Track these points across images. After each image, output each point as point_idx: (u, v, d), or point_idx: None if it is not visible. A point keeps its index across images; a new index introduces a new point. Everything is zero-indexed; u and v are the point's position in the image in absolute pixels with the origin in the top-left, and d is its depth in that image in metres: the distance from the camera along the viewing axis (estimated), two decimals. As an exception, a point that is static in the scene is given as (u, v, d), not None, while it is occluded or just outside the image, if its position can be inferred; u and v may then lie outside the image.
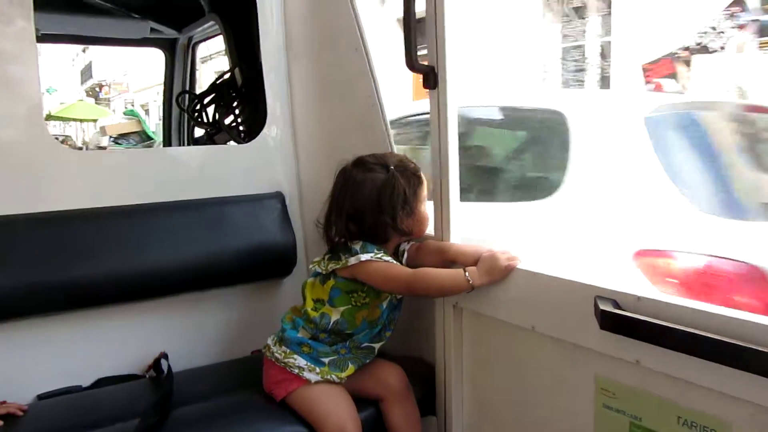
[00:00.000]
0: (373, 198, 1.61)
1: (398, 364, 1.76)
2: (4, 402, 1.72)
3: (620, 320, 1.20)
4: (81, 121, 17.59)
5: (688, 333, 1.08)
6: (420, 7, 1.64)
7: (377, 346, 1.70)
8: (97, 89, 24.28)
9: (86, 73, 25.39)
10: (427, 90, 1.68)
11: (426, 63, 1.67)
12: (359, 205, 1.62)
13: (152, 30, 2.94)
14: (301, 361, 1.64)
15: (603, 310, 1.21)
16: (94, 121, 16.41)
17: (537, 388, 1.50)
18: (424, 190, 1.69)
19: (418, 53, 1.65)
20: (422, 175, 1.69)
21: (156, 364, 1.95)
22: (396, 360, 1.78)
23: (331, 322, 1.64)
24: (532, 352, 1.49)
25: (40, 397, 1.85)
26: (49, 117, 14.38)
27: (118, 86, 23.66)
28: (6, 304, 1.75)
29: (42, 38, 2.62)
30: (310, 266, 1.73)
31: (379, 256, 1.60)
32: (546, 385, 1.47)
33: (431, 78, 1.66)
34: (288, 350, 1.66)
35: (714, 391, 1.10)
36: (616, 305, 1.23)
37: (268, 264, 2.12)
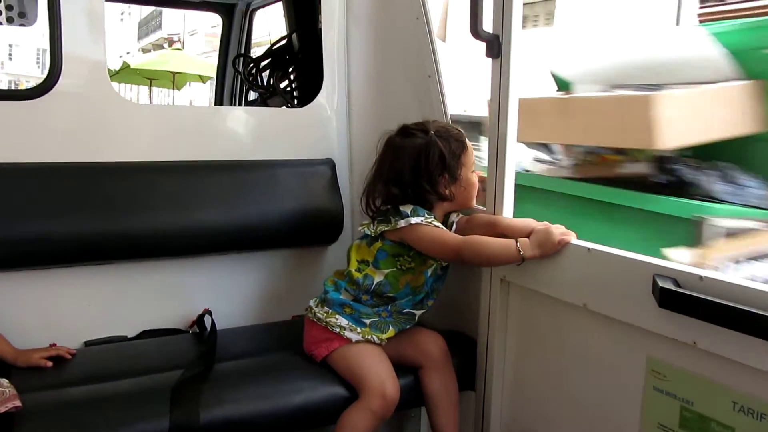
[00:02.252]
0: (411, 162, 1.62)
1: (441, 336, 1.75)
2: (54, 344, 1.77)
3: (681, 298, 1.16)
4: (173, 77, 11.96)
5: (754, 313, 1.04)
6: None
7: (419, 313, 1.70)
8: (166, 44, 21.21)
9: (147, 26, 23.98)
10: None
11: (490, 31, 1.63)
12: (399, 169, 1.63)
13: (212, -7, 2.96)
14: (342, 321, 1.65)
15: (663, 288, 1.18)
16: (203, 79, 11.85)
17: (583, 368, 1.47)
18: (470, 156, 1.67)
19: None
20: (466, 141, 1.67)
21: (199, 321, 1.98)
22: (437, 332, 1.76)
23: (374, 284, 1.65)
24: (582, 330, 1.46)
25: (87, 344, 1.89)
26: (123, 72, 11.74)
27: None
28: (59, 249, 1.80)
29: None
30: (359, 228, 1.73)
31: (429, 220, 1.60)
32: (593, 366, 1.44)
33: (495, 46, 1.63)
34: (330, 310, 1.67)
35: (775, 376, 1.06)
36: (676, 284, 1.19)
37: (315, 230, 2.12)
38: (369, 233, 1.67)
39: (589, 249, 1.41)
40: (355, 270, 1.67)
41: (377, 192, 1.69)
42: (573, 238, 1.46)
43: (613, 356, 1.38)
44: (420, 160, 1.61)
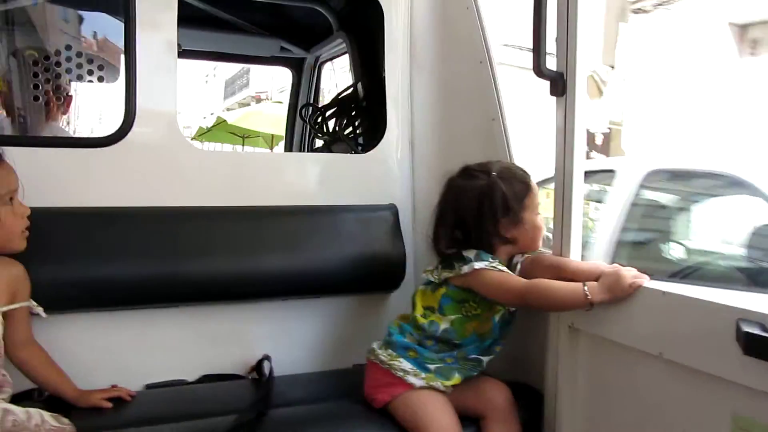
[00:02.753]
0: (473, 204, 1.58)
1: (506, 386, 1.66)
2: (116, 386, 1.78)
3: (768, 344, 1.05)
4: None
5: None
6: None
7: (486, 359, 1.63)
8: (254, 101, 21.26)
9: (234, 84, 23.98)
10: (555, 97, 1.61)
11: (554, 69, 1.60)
12: (461, 212, 1.60)
13: (282, 49, 3.05)
14: (406, 365, 1.60)
15: (747, 332, 1.07)
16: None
17: (661, 423, 1.35)
18: (535, 198, 1.62)
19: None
20: (531, 183, 1.63)
21: (259, 366, 1.96)
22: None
23: (440, 330, 1.60)
24: (659, 382, 1.34)
25: (148, 387, 1.89)
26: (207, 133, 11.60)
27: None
28: (125, 291, 1.82)
29: (182, 54, 2.79)
30: (423, 274, 1.70)
31: (493, 265, 1.55)
32: (672, 421, 1.32)
33: (559, 85, 1.59)
34: (394, 353, 1.63)
35: None
36: (764, 329, 1.08)
37: (377, 276, 2.09)
38: (433, 279, 1.63)
39: (664, 292, 1.31)
40: (421, 316, 1.63)
41: (441, 235, 1.65)
42: (646, 281, 1.37)
43: (694, 411, 1.26)
44: (483, 202, 1.58)
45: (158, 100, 1.91)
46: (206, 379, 1.96)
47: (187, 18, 1.99)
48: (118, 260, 1.81)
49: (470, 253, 1.57)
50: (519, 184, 1.61)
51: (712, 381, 1.21)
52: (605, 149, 10.49)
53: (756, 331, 1.07)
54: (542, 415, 1.67)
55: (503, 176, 1.60)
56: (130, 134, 1.85)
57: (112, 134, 1.87)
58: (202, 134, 11.85)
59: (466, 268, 1.55)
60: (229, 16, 2.73)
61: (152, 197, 1.90)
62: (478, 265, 1.54)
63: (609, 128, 10.72)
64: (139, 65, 1.85)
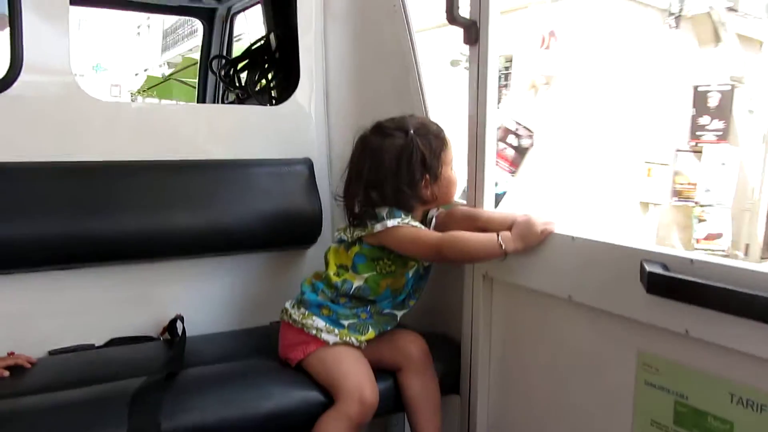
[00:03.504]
0: (392, 166, 1.52)
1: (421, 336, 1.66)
2: (13, 353, 1.67)
3: (670, 283, 1.08)
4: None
5: (748, 294, 0.96)
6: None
7: (400, 314, 1.62)
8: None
9: (176, 33, 21.39)
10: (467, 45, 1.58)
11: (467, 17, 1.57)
12: (378, 173, 1.53)
13: (192, -1, 2.90)
14: (319, 323, 1.56)
15: (651, 272, 1.09)
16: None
17: (571, 364, 1.38)
18: (450, 152, 1.58)
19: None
20: (446, 137, 1.58)
21: (171, 327, 1.89)
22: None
23: (353, 288, 1.57)
24: (568, 324, 1.37)
25: (51, 353, 1.79)
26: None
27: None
28: (22, 252, 1.70)
29: (78, 1, 2.61)
30: (336, 233, 1.66)
31: (406, 221, 1.51)
32: (582, 361, 1.35)
33: (472, 32, 1.56)
34: (306, 312, 1.59)
35: (776, 363, 0.97)
36: (666, 269, 1.11)
37: (292, 231, 2.04)
38: (345, 238, 1.59)
39: (573, 237, 1.33)
40: (334, 274, 1.59)
41: (356, 196, 1.58)
42: (555, 227, 1.38)
43: (601, 350, 1.30)
44: (401, 162, 1.51)
45: (49, 47, 1.77)
46: (115, 342, 1.87)
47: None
48: (12, 219, 1.68)
49: (382, 211, 1.52)
50: (435, 139, 1.56)
51: (618, 321, 1.24)
52: (721, 113, 7.63)
53: (658, 270, 1.10)
54: (459, 365, 1.69)
55: (420, 133, 1.54)
56: (17, 83, 1.71)
57: (-1, 79, 1.73)
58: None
59: (378, 227, 1.51)
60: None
61: (47, 151, 1.77)
62: (390, 222, 1.50)
63: (730, 85, 7.71)
64: (24, 10, 1.71)
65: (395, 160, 1.52)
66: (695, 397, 1.12)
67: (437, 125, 1.61)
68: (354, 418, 1.46)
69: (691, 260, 1.09)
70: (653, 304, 1.13)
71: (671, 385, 1.16)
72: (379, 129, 1.58)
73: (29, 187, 1.73)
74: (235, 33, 3.11)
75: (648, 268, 1.11)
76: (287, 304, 1.65)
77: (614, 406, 1.26)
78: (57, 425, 1.31)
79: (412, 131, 1.53)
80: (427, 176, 1.53)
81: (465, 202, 1.63)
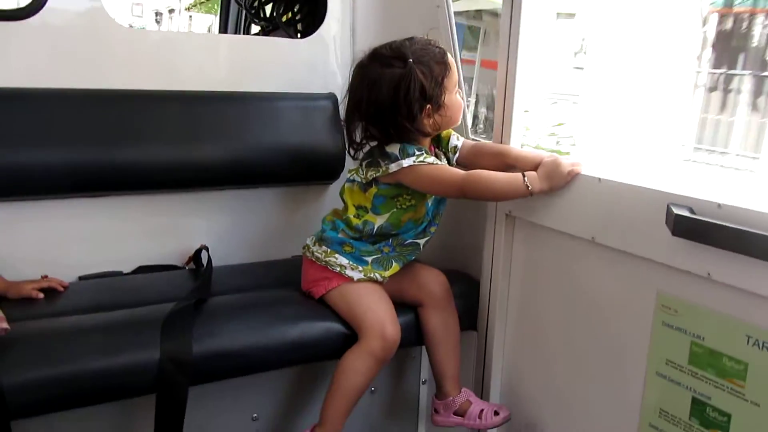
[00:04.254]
0: (390, 98, 1.44)
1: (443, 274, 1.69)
2: (46, 276, 1.73)
3: (696, 225, 1.09)
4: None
5: (776, 239, 0.97)
6: None
7: (422, 241, 1.62)
8: None
9: None
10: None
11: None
12: (377, 106, 1.46)
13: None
14: (343, 260, 1.58)
15: (678, 215, 1.11)
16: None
17: (590, 305, 1.41)
18: (453, 77, 1.49)
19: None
20: (449, 60, 1.49)
21: (196, 257, 1.93)
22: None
23: (376, 228, 1.57)
24: (590, 266, 1.39)
25: (81, 278, 1.85)
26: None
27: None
28: (50, 178, 1.73)
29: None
30: (348, 174, 1.62)
31: (421, 159, 1.46)
32: (600, 303, 1.38)
33: (506, -37, 1.52)
34: (329, 249, 1.60)
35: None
36: (692, 212, 1.12)
37: (315, 167, 2.05)
38: (359, 179, 1.56)
39: (600, 179, 1.34)
40: (354, 216, 1.57)
41: (354, 127, 1.54)
42: (582, 169, 1.39)
43: (621, 292, 1.32)
44: (398, 94, 1.43)
45: None
46: (142, 270, 1.92)
47: None
48: (41, 145, 1.71)
49: (394, 148, 1.48)
50: (437, 65, 1.45)
51: (640, 263, 1.26)
52: None
53: (685, 213, 1.11)
54: (478, 302, 1.73)
55: (420, 60, 1.44)
56: (45, 8, 1.70)
57: (26, 6, 1.72)
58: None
59: (393, 167, 1.46)
60: None
61: (74, 79, 1.78)
62: (406, 162, 1.45)
63: None
64: None
65: (393, 91, 1.44)
66: (712, 339, 1.15)
67: (440, 49, 1.50)
68: (377, 354, 1.49)
69: (719, 204, 1.10)
70: (677, 246, 1.15)
71: (689, 326, 1.18)
72: (377, 56, 1.48)
73: (57, 114, 1.75)
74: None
75: (675, 210, 1.12)
76: (308, 241, 1.66)
77: (630, 346, 1.30)
78: (93, 346, 1.36)
79: (411, 59, 1.44)
80: (429, 106, 1.46)
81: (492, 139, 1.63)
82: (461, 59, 1.85)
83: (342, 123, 1.60)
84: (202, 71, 1.95)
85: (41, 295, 1.63)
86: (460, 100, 1.54)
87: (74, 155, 1.75)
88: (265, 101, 2.01)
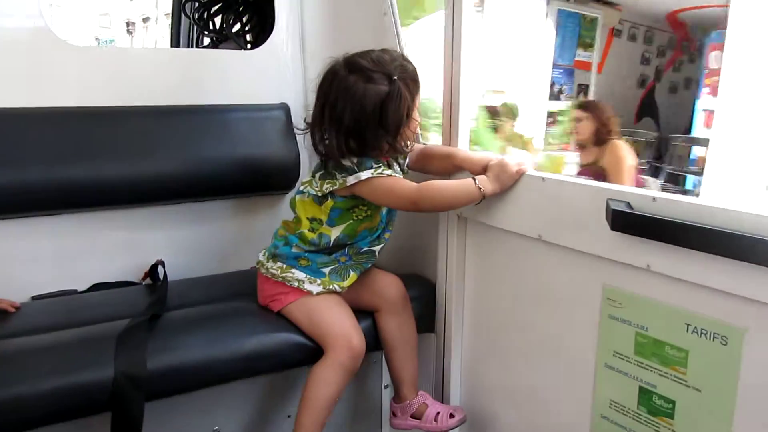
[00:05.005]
0: (376, 114, 1.42)
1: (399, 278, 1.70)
2: (-3, 298, 1.70)
3: (633, 219, 1.13)
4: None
5: (706, 229, 1.01)
6: None
7: (378, 248, 1.62)
8: None
9: None
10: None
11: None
12: (359, 120, 1.43)
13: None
14: (300, 274, 1.57)
15: (615, 210, 1.14)
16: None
17: (541, 301, 1.44)
18: (419, 93, 1.51)
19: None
20: (419, 78, 1.50)
21: (152, 272, 1.92)
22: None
23: (332, 240, 1.56)
24: (538, 263, 1.42)
25: (34, 298, 1.82)
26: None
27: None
28: (4, 198, 1.72)
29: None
30: (301, 186, 1.59)
31: (379, 171, 1.46)
32: (550, 299, 1.41)
33: (446, -26, 1.56)
34: (285, 265, 1.59)
35: (728, 294, 1.03)
36: (629, 207, 1.15)
37: (270, 177, 2.06)
38: (314, 192, 1.53)
39: (543, 178, 1.37)
40: (308, 230, 1.56)
41: (327, 136, 1.47)
42: (527, 169, 1.42)
43: (569, 287, 1.35)
44: (386, 113, 1.42)
45: None
46: (97, 287, 1.91)
47: None
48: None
49: (351, 161, 1.46)
50: (412, 82, 1.48)
51: (585, 258, 1.29)
52: None
53: (622, 208, 1.14)
54: (435, 304, 1.75)
55: (402, 77, 1.43)
56: None
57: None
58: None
59: (351, 179, 1.45)
60: None
61: (26, 97, 1.78)
62: (364, 174, 1.44)
63: None
64: None
65: (379, 108, 1.42)
66: (654, 328, 1.18)
67: (413, 65, 1.51)
68: (346, 365, 1.49)
69: (654, 198, 1.13)
70: (618, 240, 1.18)
71: (633, 318, 1.22)
72: (357, 68, 1.44)
73: (6, 134, 1.73)
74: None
75: (612, 206, 1.15)
76: (261, 257, 1.64)
77: (580, 339, 1.33)
78: (45, 366, 1.34)
79: (396, 77, 1.43)
80: (406, 123, 1.46)
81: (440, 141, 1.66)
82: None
83: (300, 128, 1.57)
84: (153, 86, 1.94)
85: (-9, 317, 1.60)
86: (419, 116, 1.53)
87: (24, 174, 1.74)
88: (218, 113, 2.01)
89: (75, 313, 1.69)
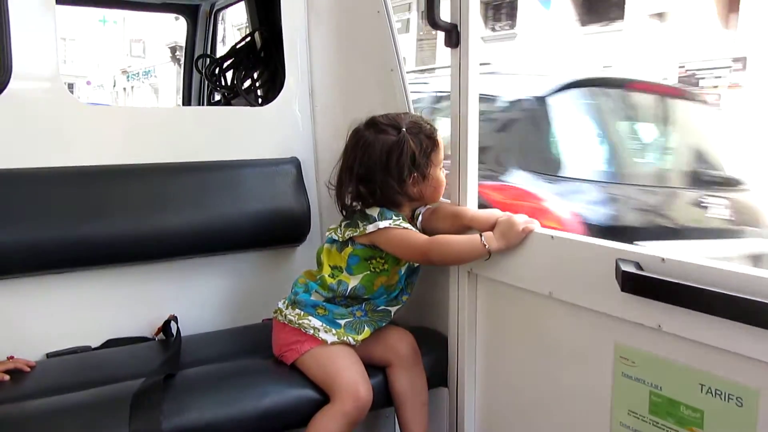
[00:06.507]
0: (382, 160, 1.56)
1: (411, 333, 1.71)
2: (12, 357, 1.71)
3: (643, 281, 1.14)
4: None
5: (716, 293, 1.02)
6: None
7: (394, 309, 1.66)
8: None
9: None
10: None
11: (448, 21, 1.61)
12: (368, 167, 1.57)
13: (173, -6, 2.92)
14: (316, 322, 1.60)
15: (625, 271, 1.15)
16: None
17: (553, 358, 1.44)
18: (440, 154, 1.62)
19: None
20: (438, 138, 1.62)
21: (165, 327, 1.93)
22: (409, 329, 1.74)
23: (349, 289, 1.61)
24: (549, 319, 1.43)
25: (48, 356, 1.83)
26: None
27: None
28: (19, 258, 1.74)
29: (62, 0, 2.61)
30: (327, 233, 1.69)
31: (397, 222, 1.56)
32: (562, 354, 1.42)
33: (453, 36, 1.60)
34: (302, 312, 1.62)
35: (741, 356, 1.04)
36: (639, 267, 1.17)
37: (282, 230, 2.08)
38: (337, 238, 1.62)
39: (552, 236, 1.38)
40: (329, 276, 1.62)
41: (346, 188, 1.63)
42: (537, 226, 1.43)
43: (581, 344, 1.36)
44: (391, 158, 1.55)
45: (37, 53, 1.79)
46: (111, 343, 1.91)
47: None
48: (5, 225, 1.71)
49: (374, 211, 1.57)
50: (427, 139, 1.59)
51: (596, 316, 1.30)
52: None
53: (631, 269, 1.16)
54: (447, 358, 1.75)
55: (412, 131, 1.58)
56: (7, 90, 1.74)
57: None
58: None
59: (370, 227, 1.55)
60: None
61: (38, 157, 1.81)
62: (382, 224, 1.54)
63: None
64: (11, 16, 1.73)
65: (386, 155, 1.55)
66: (669, 388, 1.18)
67: (431, 125, 1.64)
68: (349, 414, 1.50)
69: (663, 258, 1.15)
70: (628, 300, 1.19)
71: (646, 377, 1.22)
72: (373, 124, 1.61)
73: (22, 193, 1.76)
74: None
75: (622, 267, 1.16)
76: (280, 304, 1.69)
77: (594, 397, 1.33)
78: (61, 429, 1.35)
79: (404, 129, 1.57)
80: (416, 174, 1.57)
81: (449, 201, 1.68)
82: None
83: (328, 185, 1.69)
84: (165, 144, 1.98)
85: (6, 377, 1.61)
86: (443, 177, 1.63)
87: (39, 233, 1.76)
88: (229, 169, 2.04)
89: (89, 372, 1.70)
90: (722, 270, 1.06)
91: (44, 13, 1.79)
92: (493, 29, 16.03)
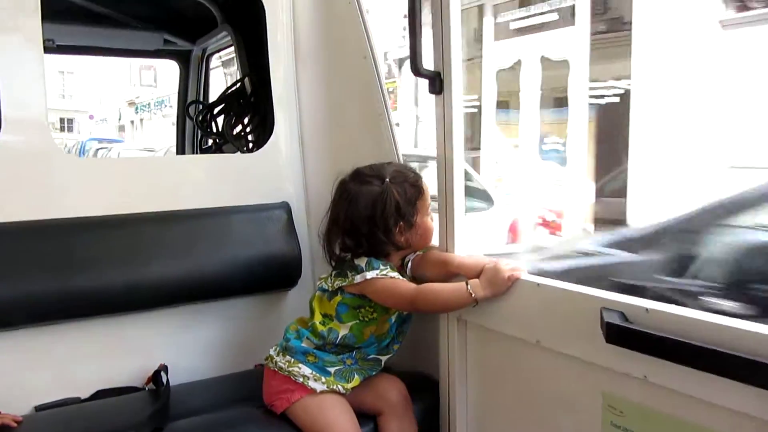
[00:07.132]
0: (367, 212, 1.57)
1: (402, 378, 1.71)
2: None
3: (627, 333, 1.13)
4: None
5: (699, 347, 1.02)
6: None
7: (384, 358, 1.66)
8: None
9: None
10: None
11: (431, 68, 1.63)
12: (354, 219, 1.58)
13: (166, 42, 2.95)
14: (306, 370, 1.59)
15: (609, 323, 1.15)
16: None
17: (542, 405, 1.43)
18: (426, 200, 1.63)
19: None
20: (423, 185, 1.63)
21: (156, 377, 1.91)
22: (400, 375, 1.73)
23: (339, 337, 1.60)
24: (537, 367, 1.42)
25: (37, 409, 1.81)
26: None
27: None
28: (5, 312, 1.73)
29: (55, 49, 2.65)
30: (318, 282, 1.70)
31: (384, 272, 1.56)
32: (551, 402, 1.40)
33: (437, 83, 1.62)
34: (292, 359, 1.62)
35: (725, 408, 1.03)
36: (624, 317, 1.16)
37: (273, 275, 2.08)
38: (327, 287, 1.63)
39: (538, 284, 1.38)
40: (320, 323, 1.62)
41: (335, 239, 1.65)
42: (523, 274, 1.43)
43: (569, 393, 1.35)
44: (375, 210, 1.56)
45: (25, 104, 1.80)
46: (101, 394, 1.89)
47: (61, 12, 1.89)
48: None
49: (362, 261, 1.58)
50: (411, 187, 1.61)
51: (583, 365, 1.29)
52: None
53: (616, 321, 1.15)
54: (438, 405, 1.73)
55: (396, 181, 1.59)
56: None
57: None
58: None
59: (358, 278, 1.56)
60: (107, 10, 2.61)
61: (27, 210, 1.80)
62: (369, 274, 1.55)
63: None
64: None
65: (370, 207, 1.56)
66: (657, 439, 1.17)
67: (415, 173, 1.65)
68: None
69: (647, 309, 1.14)
70: (614, 350, 1.18)
71: (635, 427, 1.21)
72: (358, 175, 1.62)
73: (10, 247, 1.76)
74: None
75: (606, 318, 1.16)
76: (271, 351, 1.68)
77: (584, 446, 1.31)
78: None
79: (388, 179, 1.58)
80: (402, 223, 1.58)
81: (437, 245, 1.68)
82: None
83: (319, 236, 1.70)
84: (155, 193, 1.98)
85: (-7, 434, 1.60)
86: (431, 224, 1.65)
87: (27, 287, 1.75)
88: (220, 216, 2.04)
89: (77, 426, 1.69)
90: (705, 321, 1.06)
91: (32, 63, 1.80)
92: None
